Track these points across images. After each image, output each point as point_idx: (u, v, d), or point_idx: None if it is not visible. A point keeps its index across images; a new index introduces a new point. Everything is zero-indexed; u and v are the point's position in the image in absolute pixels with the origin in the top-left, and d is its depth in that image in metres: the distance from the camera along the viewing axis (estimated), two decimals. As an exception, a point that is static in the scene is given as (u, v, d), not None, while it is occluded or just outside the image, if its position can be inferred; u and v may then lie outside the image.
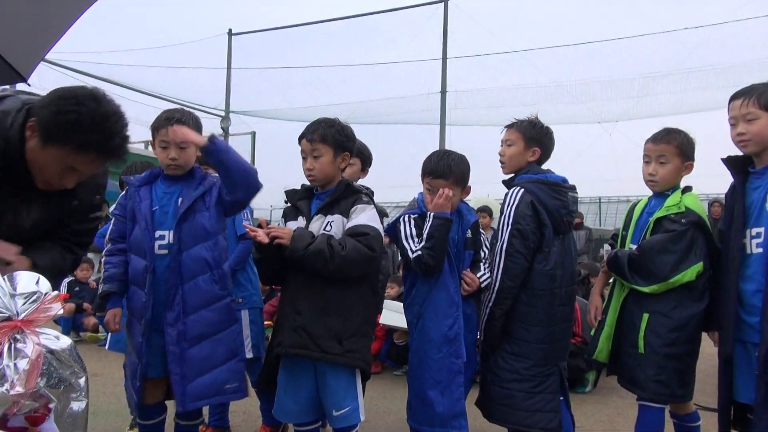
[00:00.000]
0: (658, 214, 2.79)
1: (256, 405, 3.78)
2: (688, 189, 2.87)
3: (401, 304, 3.16)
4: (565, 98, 15.94)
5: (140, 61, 16.85)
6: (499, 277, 2.83)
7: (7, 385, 1.43)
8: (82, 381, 1.57)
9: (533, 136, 3.00)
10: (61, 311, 1.56)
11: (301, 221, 2.79)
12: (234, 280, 3.37)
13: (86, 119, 1.85)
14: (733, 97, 2.56)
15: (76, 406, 1.56)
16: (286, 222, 2.88)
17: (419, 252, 2.81)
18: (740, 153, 2.59)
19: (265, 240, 2.65)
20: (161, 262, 2.75)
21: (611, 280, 3.04)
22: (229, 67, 19.29)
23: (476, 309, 3.04)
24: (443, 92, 16.09)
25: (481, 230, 3.20)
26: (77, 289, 7.38)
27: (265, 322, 4.10)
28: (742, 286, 2.49)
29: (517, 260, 2.81)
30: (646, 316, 2.74)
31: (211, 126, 17.18)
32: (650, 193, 2.96)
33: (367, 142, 3.57)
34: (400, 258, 3.71)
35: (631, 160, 3.03)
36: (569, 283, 2.95)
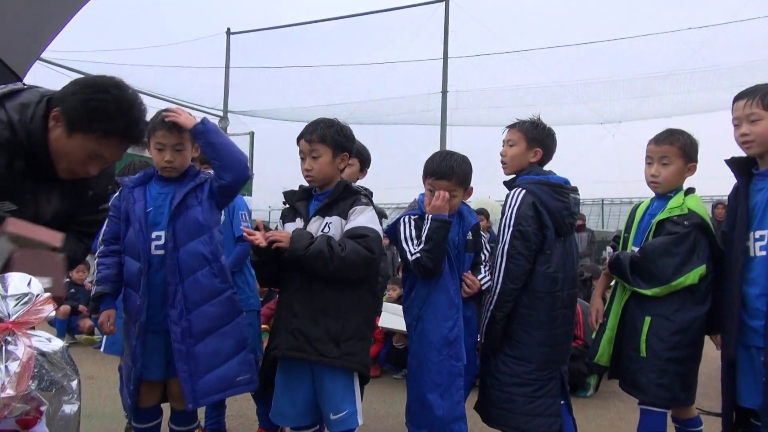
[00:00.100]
0: (661, 216, 2.78)
1: (253, 408, 3.78)
2: (691, 191, 2.86)
3: (400, 307, 3.16)
4: (567, 98, 15.97)
5: (137, 61, 16.89)
6: (500, 279, 2.83)
7: None
8: (74, 384, 1.56)
9: (535, 137, 2.99)
10: (53, 313, 1.55)
11: (299, 223, 2.79)
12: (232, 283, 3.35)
13: (113, 106, 1.94)
14: (737, 98, 2.56)
15: (69, 409, 1.55)
16: (284, 223, 2.88)
17: (418, 254, 2.81)
18: (744, 154, 2.59)
19: (263, 243, 2.65)
20: (158, 262, 2.75)
21: (613, 283, 3.04)
22: (227, 67, 19.29)
23: (476, 312, 3.03)
24: (444, 92, 16.10)
25: (482, 232, 3.19)
26: (72, 290, 7.36)
27: (262, 326, 4.09)
28: (746, 290, 2.49)
29: (519, 262, 2.80)
30: (648, 319, 2.73)
31: (209, 126, 17.10)
32: (653, 194, 2.96)
33: (366, 143, 3.57)
34: (400, 260, 3.70)
35: (634, 161, 3.03)
36: (571, 286, 2.95)
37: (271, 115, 19.31)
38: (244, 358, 2.84)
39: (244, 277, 3.78)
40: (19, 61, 2.51)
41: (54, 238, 1.94)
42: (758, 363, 2.42)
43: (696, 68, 14.37)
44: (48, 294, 1.55)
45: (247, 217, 3.86)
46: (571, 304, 2.98)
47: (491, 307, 2.86)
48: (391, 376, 5.68)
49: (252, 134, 17.93)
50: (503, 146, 3.07)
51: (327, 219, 2.71)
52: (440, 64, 16.23)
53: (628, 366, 2.82)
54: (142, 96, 2.11)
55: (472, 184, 3.02)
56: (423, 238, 2.81)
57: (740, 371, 2.50)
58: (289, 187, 2.96)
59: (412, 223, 2.95)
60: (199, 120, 2.73)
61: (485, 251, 3.12)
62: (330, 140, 2.74)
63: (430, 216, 2.82)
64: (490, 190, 12.75)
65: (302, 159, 2.80)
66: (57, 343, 1.56)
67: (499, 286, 2.83)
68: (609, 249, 3.13)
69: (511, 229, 2.83)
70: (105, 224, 2.95)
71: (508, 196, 2.94)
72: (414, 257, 2.81)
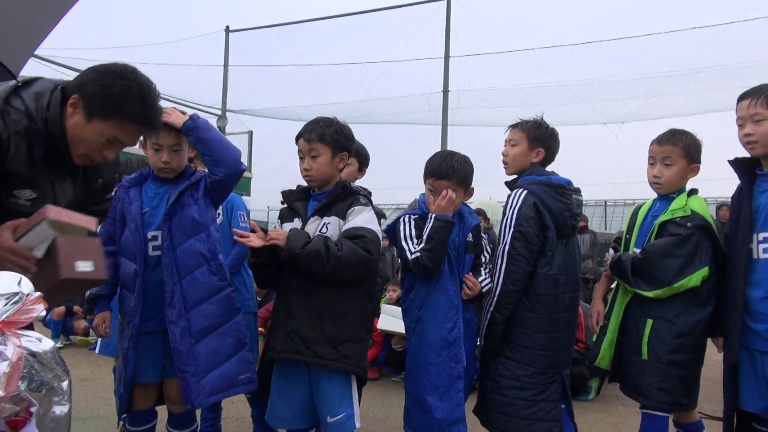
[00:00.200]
0: (663, 217, 2.78)
1: (249, 411, 3.77)
2: (694, 192, 2.86)
3: (399, 309, 3.15)
4: (570, 98, 15.98)
5: (134, 58, 16.81)
6: (500, 280, 2.82)
7: None
8: (64, 384, 1.55)
9: (537, 137, 2.99)
10: (44, 313, 1.55)
11: (297, 223, 2.78)
12: None
13: (133, 91, 2.01)
14: (741, 97, 2.56)
15: (59, 410, 1.54)
16: (282, 223, 2.88)
17: (418, 253, 2.80)
18: (748, 155, 2.58)
19: (257, 244, 2.65)
20: (155, 263, 2.75)
21: (614, 285, 3.03)
22: (225, 65, 19.32)
23: (476, 314, 3.03)
24: (445, 92, 16.11)
25: (482, 234, 3.18)
26: (68, 291, 7.36)
27: (259, 329, 4.09)
28: (749, 293, 2.49)
29: (520, 263, 2.79)
30: (650, 322, 2.73)
31: (207, 125, 17.11)
32: (656, 195, 2.95)
33: (366, 143, 3.57)
34: (399, 261, 3.70)
35: (638, 162, 3.04)
36: (573, 289, 2.94)
37: (270, 114, 19.32)
38: (245, 356, 2.85)
39: (242, 278, 3.77)
40: (13, 58, 2.51)
41: (90, 222, 2.00)
42: (761, 367, 2.42)
43: (701, 68, 14.39)
44: (38, 293, 1.54)
45: (246, 218, 3.86)
46: (573, 307, 2.97)
47: (491, 309, 2.86)
48: (390, 378, 5.69)
49: (251, 133, 17.96)
50: (505, 146, 3.07)
51: (325, 219, 2.71)
52: (441, 63, 16.25)
53: (629, 369, 2.81)
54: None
55: (472, 185, 3.02)
56: (424, 237, 2.81)
57: (742, 375, 2.50)
58: (288, 186, 2.96)
59: (412, 222, 2.94)
60: (188, 117, 2.74)
61: (485, 253, 3.12)
62: (329, 139, 2.74)
63: (434, 215, 2.82)
64: (491, 192, 12.75)
65: (301, 158, 2.80)
66: (47, 344, 1.55)
67: (499, 288, 2.82)
68: (611, 251, 3.12)
69: (511, 230, 2.83)
70: (100, 225, 2.96)
71: (509, 196, 2.93)
72: (414, 256, 2.81)
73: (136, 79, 2.05)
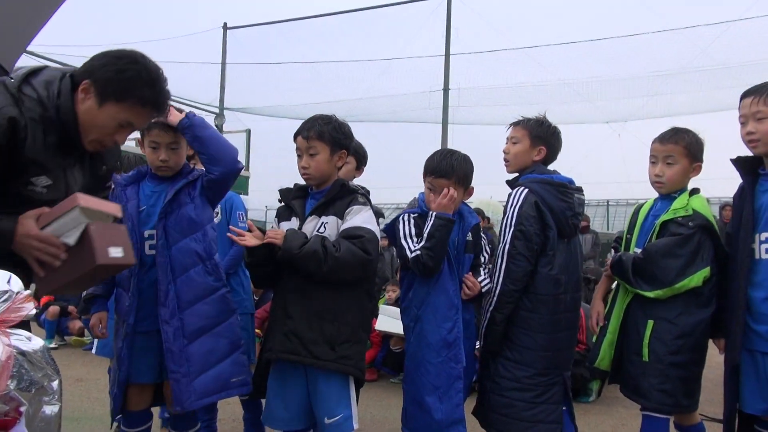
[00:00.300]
0: (665, 217, 2.78)
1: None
2: (695, 191, 2.86)
3: (398, 310, 3.15)
4: (571, 97, 15.95)
5: (131, 55, 16.81)
6: (500, 280, 2.82)
7: None
8: (55, 384, 1.54)
9: (539, 135, 2.99)
10: (34, 311, 1.54)
11: (294, 221, 2.78)
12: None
13: (143, 76, 2.10)
14: (744, 95, 2.56)
15: (49, 410, 1.53)
16: (279, 222, 2.88)
17: (418, 252, 2.80)
18: (750, 153, 2.59)
19: (251, 243, 2.66)
20: (152, 262, 2.75)
21: (614, 285, 3.04)
22: (223, 63, 19.29)
23: (475, 314, 3.03)
24: (446, 90, 16.10)
25: (482, 234, 3.19)
26: (63, 290, 7.36)
27: (256, 330, 4.09)
28: (751, 293, 2.49)
29: (520, 263, 2.80)
30: (650, 322, 2.73)
31: (204, 123, 17.10)
32: (657, 195, 2.96)
33: (366, 141, 3.57)
34: (398, 261, 3.70)
35: (640, 161, 3.02)
36: (575, 289, 2.94)
37: (269, 113, 19.28)
38: (239, 358, 2.83)
39: (239, 279, 3.77)
40: (5, 54, 2.50)
41: (116, 209, 2.09)
42: (762, 368, 2.42)
43: (704, 66, 14.36)
44: (28, 291, 1.54)
45: (245, 217, 3.85)
46: (575, 308, 2.97)
47: (491, 309, 2.86)
48: (388, 379, 5.69)
49: (248, 132, 17.92)
50: (506, 143, 3.07)
51: (323, 219, 2.71)
52: (442, 61, 16.23)
53: (629, 370, 2.81)
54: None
55: (472, 184, 3.02)
56: (425, 236, 2.81)
57: (744, 376, 2.50)
58: (286, 185, 2.96)
59: (412, 221, 2.95)
60: (184, 115, 2.74)
61: (485, 253, 3.12)
62: (328, 137, 2.74)
63: (434, 213, 2.82)
64: (491, 191, 12.75)
65: (299, 156, 2.79)
66: (37, 342, 1.54)
67: (499, 287, 2.83)
68: (612, 251, 3.12)
69: (512, 228, 2.83)
70: None
71: (510, 195, 2.93)
72: (414, 254, 2.81)
73: (146, 64, 2.14)
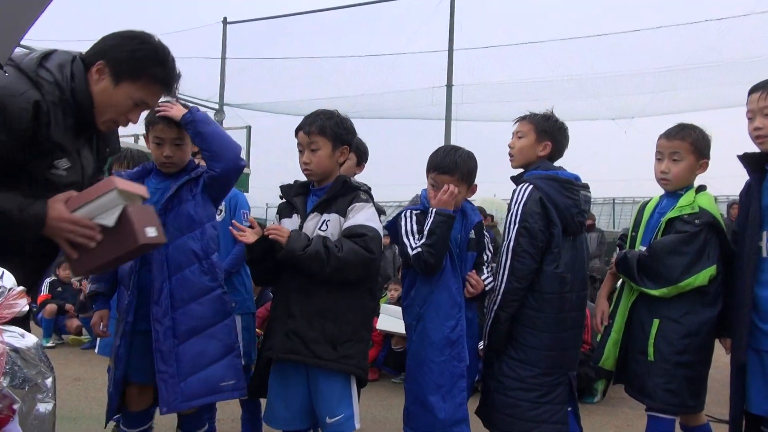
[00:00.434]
0: (671, 214, 2.77)
1: (245, 412, 3.78)
2: (702, 188, 2.85)
3: (399, 309, 3.15)
4: (577, 93, 15.93)
5: (130, 50, 16.80)
6: (505, 277, 2.81)
7: None
8: (48, 381, 1.52)
9: (546, 130, 2.98)
10: (27, 308, 1.53)
11: (296, 218, 2.79)
12: (229, 284, 3.32)
13: (157, 54, 2.20)
14: (752, 90, 2.56)
15: (43, 407, 1.51)
16: (280, 219, 2.88)
17: (419, 249, 2.80)
18: (758, 150, 2.58)
19: (250, 240, 2.66)
20: (148, 258, 2.74)
21: (619, 284, 3.03)
22: (223, 58, 19.32)
23: (478, 313, 3.03)
24: (449, 86, 16.09)
25: (485, 232, 3.18)
26: (60, 289, 7.37)
27: (256, 330, 4.09)
28: (758, 292, 2.49)
29: (525, 260, 2.78)
30: (656, 321, 2.73)
31: (204, 119, 17.10)
32: (663, 192, 2.95)
33: (368, 138, 3.56)
34: (401, 259, 3.70)
35: (648, 158, 3.01)
36: (580, 288, 2.92)
37: (269, 109, 19.29)
38: (231, 362, 2.81)
39: (241, 278, 3.76)
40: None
41: (145, 191, 2.19)
42: (769, 368, 2.42)
43: (712, 62, 14.33)
44: (21, 288, 1.53)
45: (248, 216, 3.85)
46: (581, 307, 2.95)
47: (495, 307, 2.85)
48: (390, 379, 5.70)
49: (249, 128, 17.92)
50: (512, 138, 3.06)
51: (324, 216, 2.71)
52: (445, 57, 16.22)
53: (635, 370, 2.81)
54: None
55: (476, 182, 3.02)
56: (425, 232, 2.81)
57: (750, 376, 2.50)
58: (287, 182, 2.96)
59: (414, 217, 2.94)
60: (187, 110, 2.74)
61: (488, 251, 3.12)
62: (329, 132, 2.73)
63: (435, 209, 2.82)
64: (496, 189, 12.75)
65: (300, 152, 2.79)
66: (31, 339, 1.52)
67: (503, 285, 2.81)
68: (618, 249, 3.12)
69: (516, 225, 2.81)
70: None
71: (514, 191, 2.92)
72: (415, 251, 2.81)
73: (156, 43, 2.22)
